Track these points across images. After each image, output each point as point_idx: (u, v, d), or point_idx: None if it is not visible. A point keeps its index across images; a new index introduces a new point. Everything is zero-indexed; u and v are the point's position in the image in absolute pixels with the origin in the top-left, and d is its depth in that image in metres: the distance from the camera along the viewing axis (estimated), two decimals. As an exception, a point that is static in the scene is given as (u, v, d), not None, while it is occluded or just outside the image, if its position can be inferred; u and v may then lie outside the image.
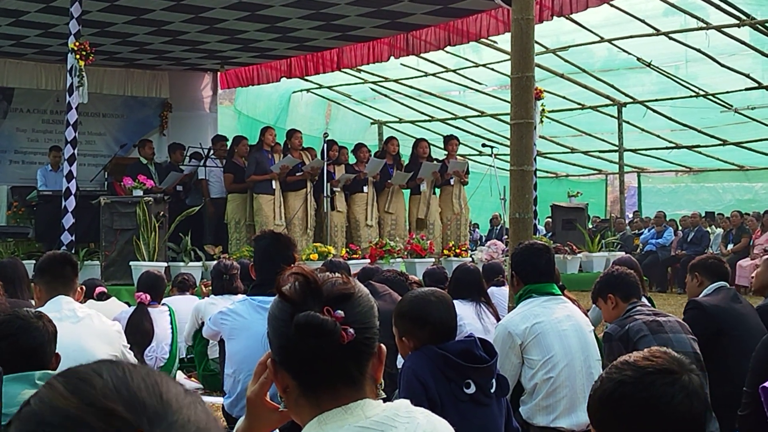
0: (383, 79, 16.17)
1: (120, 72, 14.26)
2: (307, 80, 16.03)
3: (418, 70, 15.32)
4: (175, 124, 14.54)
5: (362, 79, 16.06)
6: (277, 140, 11.27)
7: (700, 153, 18.23)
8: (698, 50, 12.95)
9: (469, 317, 5.20)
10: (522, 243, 4.45)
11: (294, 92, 17.43)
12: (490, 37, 12.16)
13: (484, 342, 3.13)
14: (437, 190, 12.05)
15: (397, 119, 18.90)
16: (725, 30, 12.26)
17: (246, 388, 1.73)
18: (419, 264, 10.30)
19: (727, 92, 14.68)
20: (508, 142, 6.43)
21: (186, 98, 14.98)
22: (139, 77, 14.52)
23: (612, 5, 11.54)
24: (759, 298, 5.25)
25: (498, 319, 4.98)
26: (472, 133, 18.23)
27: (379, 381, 1.62)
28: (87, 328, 3.82)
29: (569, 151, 19.53)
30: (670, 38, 12.86)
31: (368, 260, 10.04)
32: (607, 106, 16.35)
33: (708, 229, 16.64)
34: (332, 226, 11.00)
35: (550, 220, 14.49)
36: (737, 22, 11.91)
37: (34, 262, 5.26)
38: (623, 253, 11.73)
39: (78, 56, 8.73)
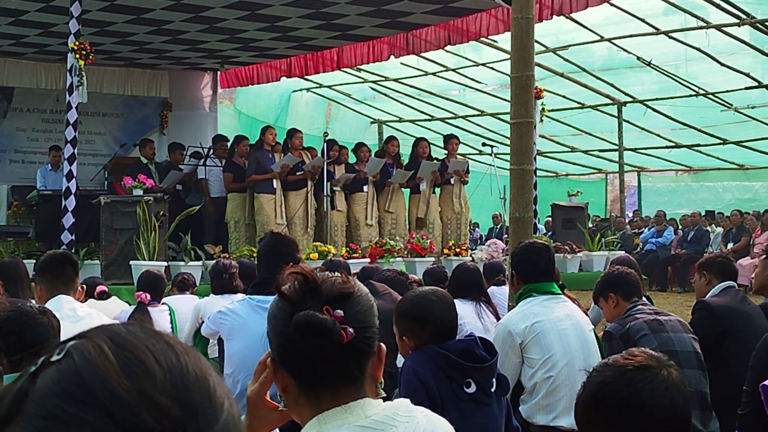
0: (383, 79, 16.16)
1: (120, 71, 14.26)
2: (307, 79, 16.03)
3: (418, 70, 15.32)
4: (175, 123, 14.53)
5: (362, 78, 16.05)
6: (277, 140, 11.27)
7: (700, 152, 18.23)
8: (698, 49, 12.95)
9: (469, 316, 5.20)
10: (522, 242, 4.45)
11: (294, 91, 17.43)
12: (490, 37, 12.16)
13: (485, 341, 3.13)
14: (437, 190, 12.04)
15: (397, 118, 18.90)
16: (725, 29, 12.26)
17: (245, 388, 1.73)
18: (419, 263, 10.29)
19: (727, 91, 14.68)
20: (508, 141, 6.43)
21: (186, 97, 14.98)
22: (139, 76, 14.51)
23: (612, 4, 11.53)
24: (759, 298, 5.24)
25: (498, 318, 4.98)
26: (472, 133, 18.23)
27: (379, 380, 1.62)
28: (87, 328, 3.81)
29: (569, 150, 19.52)
30: (670, 37, 12.86)
31: (368, 259, 10.04)
32: (607, 105, 16.35)
33: (708, 228, 16.65)
34: (332, 225, 11.00)
35: (550, 219, 14.49)
36: (737, 21, 11.91)
37: (34, 261, 5.25)
38: (623, 252, 11.73)
39: (78, 55, 8.73)
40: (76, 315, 3.83)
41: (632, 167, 20.10)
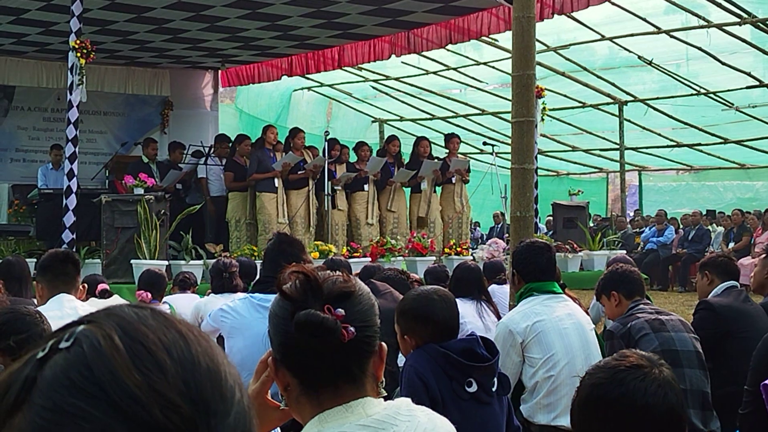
0: (384, 77, 16.16)
1: (121, 70, 14.26)
2: (308, 78, 16.03)
3: (419, 68, 15.32)
4: (176, 122, 14.53)
5: (363, 77, 16.05)
6: (278, 139, 11.26)
7: (701, 151, 18.22)
8: (699, 48, 12.94)
9: (470, 315, 5.19)
10: (523, 241, 4.45)
11: (295, 90, 17.43)
12: (491, 35, 12.15)
13: (486, 340, 3.13)
14: (438, 189, 12.04)
15: (398, 117, 18.90)
16: (726, 28, 12.25)
17: (246, 387, 1.72)
18: (420, 262, 10.29)
19: (728, 90, 14.67)
20: (509, 141, 6.44)
21: (187, 96, 14.98)
22: (140, 75, 14.51)
23: (613, 3, 11.53)
24: (758, 297, 5.24)
25: (499, 318, 4.98)
26: (473, 132, 18.23)
27: (380, 379, 1.62)
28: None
29: (570, 149, 19.51)
30: (671, 36, 12.86)
31: (369, 258, 10.05)
32: (608, 104, 16.34)
33: (709, 227, 16.64)
34: (333, 224, 11.01)
35: (551, 218, 14.49)
36: (738, 20, 11.90)
37: (35, 260, 5.26)
38: (624, 251, 11.73)
39: (79, 54, 8.72)
40: (77, 314, 3.81)
41: (633, 166, 20.09)
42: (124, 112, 14.38)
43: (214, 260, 7.28)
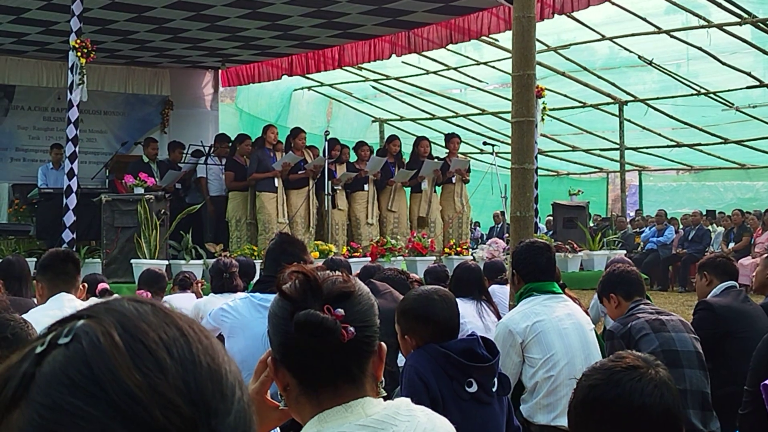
0: (384, 77, 16.16)
1: (121, 69, 14.26)
2: (308, 78, 16.03)
3: (419, 68, 15.32)
4: (177, 121, 14.53)
5: (363, 77, 16.05)
6: (279, 138, 11.27)
7: (701, 151, 18.22)
8: (700, 48, 12.94)
9: (470, 315, 5.19)
10: (523, 241, 4.45)
11: (295, 90, 17.43)
12: (491, 35, 12.16)
13: (486, 341, 3.13)
14: (438, 189, 12.05)
15: (399, 117, 18.89)
16: (727, 28, 12.25)
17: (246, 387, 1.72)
18: (420, 262, 10.29)
19: (729, 90, 14.67)
20: (509, 140, 6.44)
21: (187, 96, 14.98)
22: (140, 75, 14.51)
23: (613, 3, 11.54)
24: (760, 297, 5.24)
25: (499, 318, 4.98)
26: (474, 131, 18.22)
27: (380, 379, 1.62)
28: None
29: (570, 149, 19.51)
30: (672, 36, 12.86)
31: (369, 258, 10.05)
32: (608, 104, 16.34)
33: (709, 227, 16.63)
34: (333, 224, 11.01)
35: (551, 218, 14.49)
36: (739, 20, 11.90)
37: (35, 259, 5.26)
38: (624, 251, 11.73)
39: (79, 54, 8.73)
40: (77, 313, 3.82)
41: (633, 166, 20.08)
42: (124, 112, 14.39)
43: (214, 260, 7.28)
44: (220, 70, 15.27)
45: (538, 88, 9.81)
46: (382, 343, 1.62)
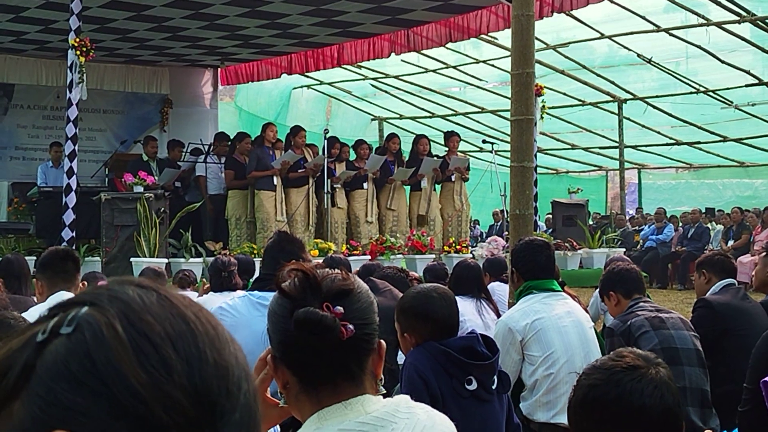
0: (384, 76, 16.16)
1: (120, 68, 14.25)
2: (307, 76, 16.03)
3: (418, 67, 15.31)
4: (176, 120, 14.53)
5: (363, 75, 16.05)
6: (278, 137, 11.27)
7: (700, 149, 18.22)
8: (698, 47, 12.94)
9: (469, 313, 5.20)
10: (522, 239, 4.45)
11: (294, 88, 17.43)
12: (490, 34, 12.16)
13: (486, 338, 3.13)
14: (438, 187, 12.05)
15: (398, 115, 18.89)
16: (726, 26, 12.25)
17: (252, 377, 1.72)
18: (420, 260, 10.28)
19: (728, 89, 14.67)
20: (508, 139, 6.44)
21: (186, 94, 14.98)
22: (140, 73, 14.51)
23: (612, 1, 11.54)
24: (760, 295, 5.24)
25: (498, 315, 4.98)
26: (473, 130, 18.22)
27: (379, 377, 1.62)
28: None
29: (570, 147, 19.51)
30: (671, 34, 12.86)
31: (368, 256, 10.04)
32: (607, 102, 16.34)
33: (708, 225, 16.65)
34: (333, 222, 11.01)
35: (550, 216, 14.49)
36: (738, 18, 11.90)
37: (34, 258, 5.27)
38: (623, 249, 11.73)
39: (78, 52, 8.72)
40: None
41: (633, 164, 20.08)
42: (123, 110, 14.38)
43: (213, 259, 7.29)
44: (219, 69, 15.27)
45: (537, 86, 9.81)
46: (382, 341, 1.62)
